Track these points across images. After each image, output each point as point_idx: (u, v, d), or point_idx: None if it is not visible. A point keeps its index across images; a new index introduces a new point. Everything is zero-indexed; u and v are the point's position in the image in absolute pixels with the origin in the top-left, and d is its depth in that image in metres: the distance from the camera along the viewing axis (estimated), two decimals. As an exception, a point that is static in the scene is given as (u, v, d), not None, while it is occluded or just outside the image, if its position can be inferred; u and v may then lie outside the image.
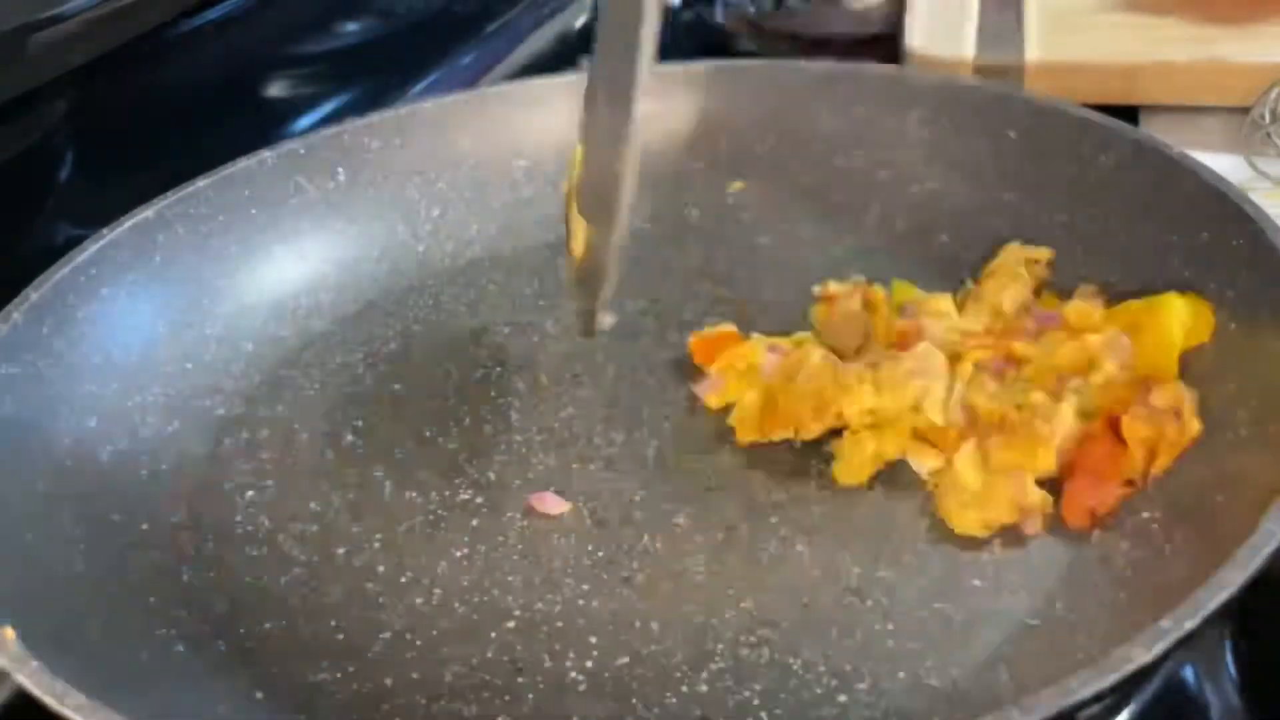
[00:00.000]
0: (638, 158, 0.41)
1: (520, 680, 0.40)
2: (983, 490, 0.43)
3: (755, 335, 0.51)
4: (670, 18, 0.93)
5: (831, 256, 0.57)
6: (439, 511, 0.46)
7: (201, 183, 0.56)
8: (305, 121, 0.73)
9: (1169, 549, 0.39)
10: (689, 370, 0.52)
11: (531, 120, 0.63)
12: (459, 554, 0.44)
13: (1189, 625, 0.31)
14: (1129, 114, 0.63)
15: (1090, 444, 0.43)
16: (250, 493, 0.48)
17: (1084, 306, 0.48)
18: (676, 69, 0.64)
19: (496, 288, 0.58)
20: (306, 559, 0.45)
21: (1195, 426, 0.42)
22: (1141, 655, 0.30)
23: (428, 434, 0.50)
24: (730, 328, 0.52)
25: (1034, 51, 0.69)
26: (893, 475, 0.45)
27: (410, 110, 0.62)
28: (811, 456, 0.46)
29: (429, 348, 0.55)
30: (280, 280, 0.58)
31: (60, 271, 0.50)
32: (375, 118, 0.61)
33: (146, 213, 0.54)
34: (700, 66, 0.64)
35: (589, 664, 0.40)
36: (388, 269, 0.60)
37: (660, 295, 0.56)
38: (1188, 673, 0.41)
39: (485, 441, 0.50)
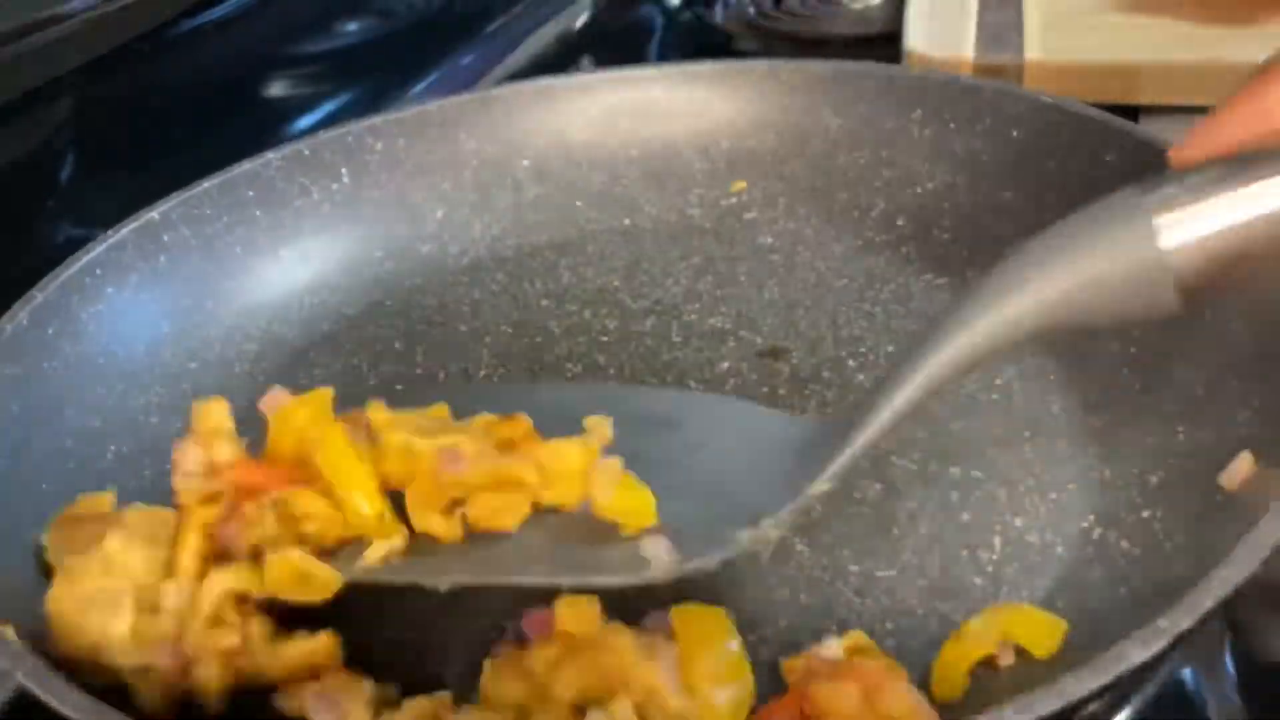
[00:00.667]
0: None
1: (522, 679, 0.40)
2: None
3: None
4: (670, 18, 0.93)
5: (833, 255, 0.58)
6: (441, 511, 0.46)
7: (206, 184, 0.57)
8: (305, 122, 0.73)
9: (1169, 547, 0.39)
10: (690, 368, 0.52)
11: (535, 121, 0.63)
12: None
13: (1185, 624, 0.31)
14: (1129, 114, 0.63)
15: None
16: (253, 492, 0.48)
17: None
18: (677, 69, 0.64)
19: (499, 288, 0.59)
20: (309, 558, 0.45)
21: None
22: (1138, 654, 0.30)
23: (430, 434, 0.50)
24: None
25: (1034, 51, 0.69)
26: (892, 475, 0.45)
27: (414, 111, 0.62)
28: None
29: (432, 348, 0.55)
30: (284, 281, 0.58)
31: (66, 272, 0.51)
32: (379, 119, 0.62)
33: (151, 214, 0.54)
34: (702, 66, 0.64)
35: (590, 663, 0.40)
36: (391, 270, 0.60)
37: (662, 295, 0.57)
38: (1186, 673, 0.41)
39: (487, 441, 0.50)
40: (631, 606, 0.41)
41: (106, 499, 0.43)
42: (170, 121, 0.68)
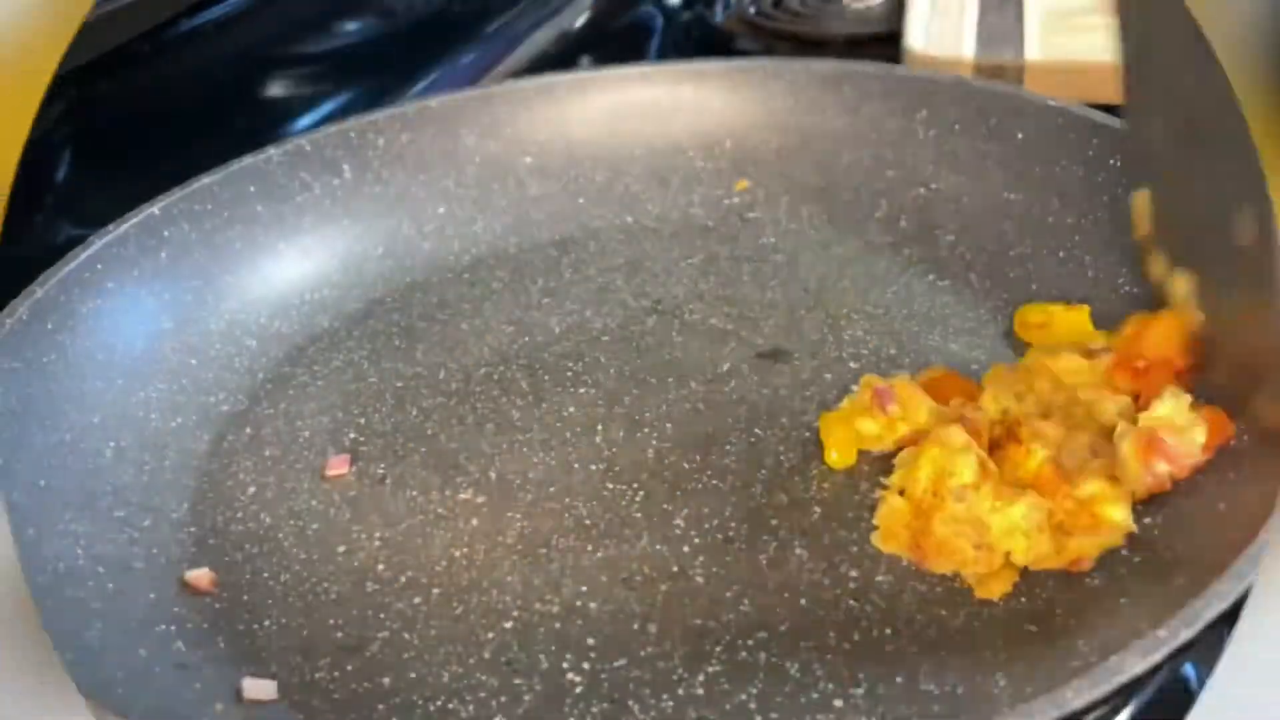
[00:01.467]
0: None
1: (517, 681, 0.40)
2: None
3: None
4: (670, 18, 0.93)
5: (836, 256, 0.57)
6: (439, 510, 0.46)
7: (207, 179, 0.56)
8: (305, 121, 0.73)
9: (1169, 556, 0.39)
10: (690, 369, 0.52)
11: (538, 118, 0.63)
12: (458, 553, 0.44)
13: (1185, 635, 0.31)
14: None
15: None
16: (251, 489, 0.48)
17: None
18: (682, 67, 0.64)
19: (501, 285, 0.58)
20: (306, 557, 0.45)
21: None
22: (1137, 665, 0.30)
23: (429, 432, 0.50)
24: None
25: (1034, 51, 0.69)
26: (888, 475, 0.45)
27: (417, 107, 0.62)
28: (813, 458, 0.46)
29: (432, 345, 0.55)
30: (284, 277, 0.58)
31: (65, 267, 0.50)
32: (381, 115, 0.61)
33: (152, 209, 0.54)
34: (707, 65, 0.64)
35: (586, 665, 0.40)
36: (392, 266, 0.60)
37: (663, 295, 0.56)
38: (1188, 672, 0.41)
39: (487, 440, 0.50)
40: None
41: None
42: (170, 121, 0.67)
